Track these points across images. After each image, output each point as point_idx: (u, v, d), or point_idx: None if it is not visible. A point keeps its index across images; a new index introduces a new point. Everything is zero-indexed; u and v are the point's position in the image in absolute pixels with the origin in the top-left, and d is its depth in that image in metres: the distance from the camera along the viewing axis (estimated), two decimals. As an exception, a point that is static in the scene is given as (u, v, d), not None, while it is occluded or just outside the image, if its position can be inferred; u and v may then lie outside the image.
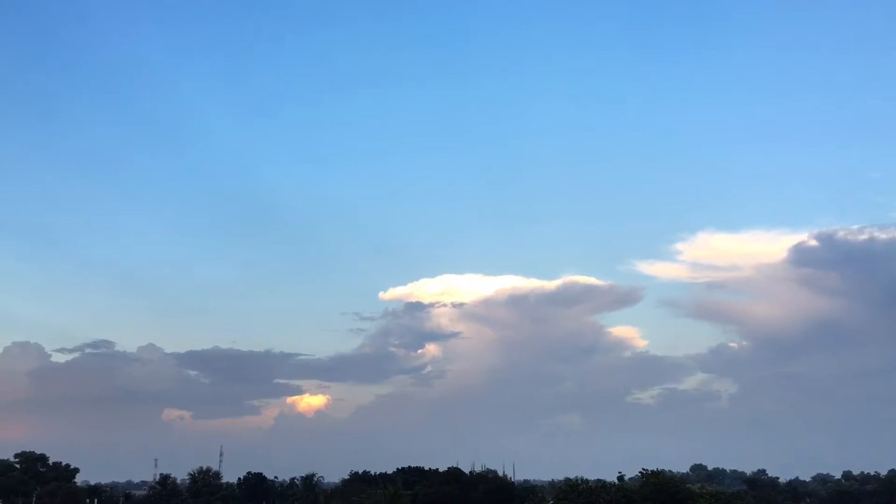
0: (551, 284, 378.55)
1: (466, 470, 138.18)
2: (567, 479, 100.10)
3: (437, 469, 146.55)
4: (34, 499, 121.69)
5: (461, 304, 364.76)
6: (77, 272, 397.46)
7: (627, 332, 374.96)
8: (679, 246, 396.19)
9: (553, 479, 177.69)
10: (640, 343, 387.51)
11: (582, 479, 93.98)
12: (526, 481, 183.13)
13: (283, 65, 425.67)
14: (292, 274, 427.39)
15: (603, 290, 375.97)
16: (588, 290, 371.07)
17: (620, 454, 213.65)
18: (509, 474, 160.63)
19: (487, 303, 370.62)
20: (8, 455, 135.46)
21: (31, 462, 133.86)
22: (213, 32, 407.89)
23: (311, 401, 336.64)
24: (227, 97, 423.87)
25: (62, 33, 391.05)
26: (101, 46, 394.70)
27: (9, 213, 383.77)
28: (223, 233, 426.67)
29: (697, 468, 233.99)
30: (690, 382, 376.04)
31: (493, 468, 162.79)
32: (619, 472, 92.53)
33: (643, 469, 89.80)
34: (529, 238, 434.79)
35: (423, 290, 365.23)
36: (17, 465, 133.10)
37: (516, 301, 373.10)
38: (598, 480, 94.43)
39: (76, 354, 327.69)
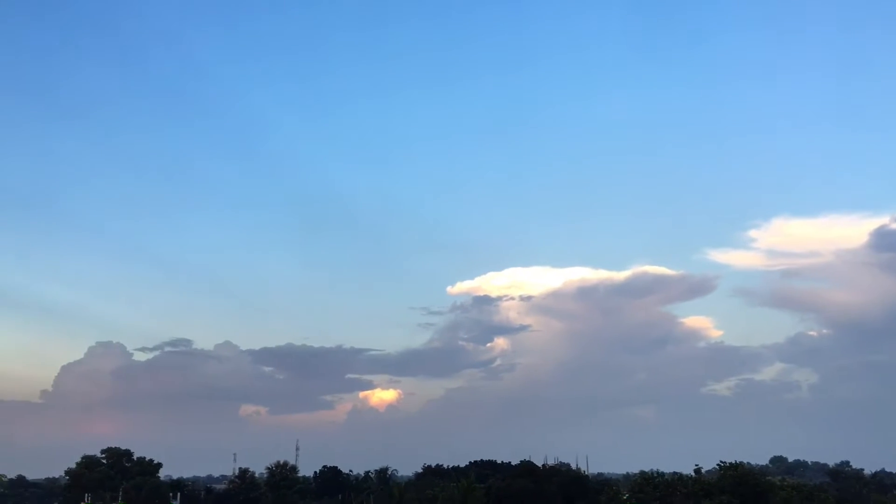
0: (620, 275, 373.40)
1: (539, 463, 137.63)
2: (642, 473, 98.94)
3: (510, 463, 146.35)
4: (121, 493, 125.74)
5: (529, 297, 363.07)
6: (156, 274, 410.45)
7: (701, 322, 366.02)
8: (753, 233, 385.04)
9: (628, 473, 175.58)
10: (715, 333, 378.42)
11: (657, 473, 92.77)
12: (600, 475, 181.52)
13: (347, 64, 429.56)
14: (361, 271, 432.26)
15: (675, 280, 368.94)
16: (659, 281, 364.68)
17: (696, 447, 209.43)
18: (582, 468, 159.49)
19: (556, 295, 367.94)
20: (95, 451, 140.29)
21: (117, 457, 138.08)
22: (277, 33, 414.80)
23: (382, 395, 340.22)
24: (294, 99, 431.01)
25: (119, 34, 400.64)
26: (171, 52, 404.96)
27: (90, 218, 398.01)
28: (295, 233, 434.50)
29: (777, 460, 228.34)
30: (768, 373, 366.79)
31: (565, 462, 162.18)
32: (696, 465, 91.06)
33: (721, 462, 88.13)
34: (597, 229, 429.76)
35: (491, 283, 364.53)
36: (104, 461, 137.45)
37: (585, 293, 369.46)
38: (675, 473, 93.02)
39: (156, 353, 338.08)
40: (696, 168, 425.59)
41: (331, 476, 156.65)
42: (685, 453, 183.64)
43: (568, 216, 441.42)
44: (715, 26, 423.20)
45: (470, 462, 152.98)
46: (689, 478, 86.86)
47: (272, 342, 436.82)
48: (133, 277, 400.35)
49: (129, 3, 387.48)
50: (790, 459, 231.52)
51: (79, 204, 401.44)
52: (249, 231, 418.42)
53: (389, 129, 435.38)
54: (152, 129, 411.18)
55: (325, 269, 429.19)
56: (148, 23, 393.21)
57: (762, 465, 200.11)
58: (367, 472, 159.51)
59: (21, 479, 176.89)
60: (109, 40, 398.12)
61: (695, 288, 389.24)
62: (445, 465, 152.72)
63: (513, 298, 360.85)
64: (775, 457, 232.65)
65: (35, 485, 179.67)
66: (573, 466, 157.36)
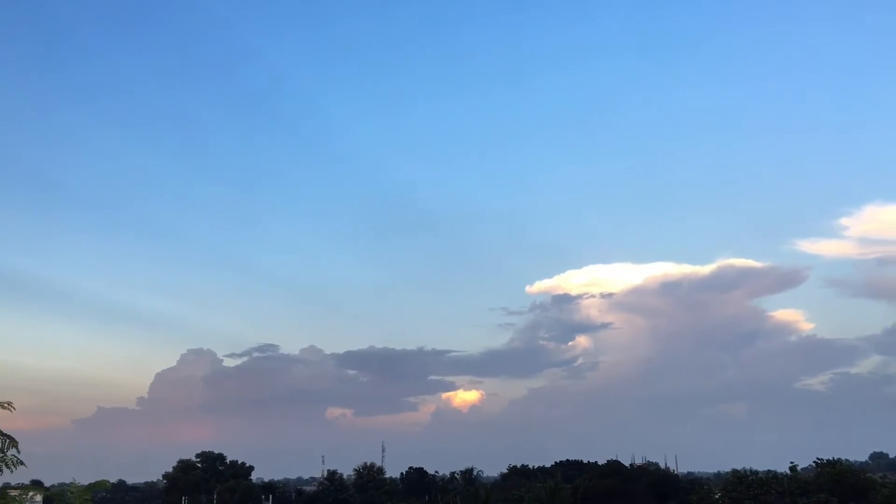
0: (705, 269, 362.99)
1: (626, 462, 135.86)
2: (734, 471, 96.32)
3: (597, 462, 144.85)
4: (215, 495, 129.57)
5: (610, 295, 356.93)
6: (242, 281, 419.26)
7: (791, 315, 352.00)
8: (844, 221, 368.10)
9: (719, 471, 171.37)
10: (806, 326, 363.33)
11: (751, 471, 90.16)
12: (690, 473, 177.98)
13: (418, 67, 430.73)
14: (439, 273, 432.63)
15: (762, 273, 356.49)
16: (745, 274, 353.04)
17: (791, 444, 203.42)
18: (671, 466, 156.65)
19: (637, 292, 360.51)
20: (189, 454, 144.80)
21: (211, 461, 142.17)
22: (347, 38, 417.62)
23: (465, 396, 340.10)
24: (364, 101, 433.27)
25: (200, 47, 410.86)
26: (237, 56, 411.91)
27: (178, 229, 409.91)
28: (374, 237, 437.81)
29: (878, 457, 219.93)
30: (865, 365, 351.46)
31: (653, 461, 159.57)
32: (792, 463, 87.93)
33: (818, 458, 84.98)
34: (679, 222, 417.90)
35: (570, 281, 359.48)
36: (199, 464, 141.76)
37: (668, 288, 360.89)
38: (769, 471, 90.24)
39: (245, 359, 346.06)
40: (781, 157, 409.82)
41: (417, 477, 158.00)
42: (779, 451, 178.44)
43: (648, 211, 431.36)
44: (793, 17, 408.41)
45: (555, 462, 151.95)
46: (784, 476, 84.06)
47: (355, 346, 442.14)
48: (221, 285, 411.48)
49: (202, 11, 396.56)
50: (892, 455, 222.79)
51: (167, 215, 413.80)
52: (330, 236, 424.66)
53: (463, 130, 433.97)
54: (231, 138, 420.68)
55: (404, 272, 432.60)
56: (224, 33, 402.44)
57: (861, 462, 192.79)
58: (452, 473, 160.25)
59: (122, 483, 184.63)
60: (189, 52, 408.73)
61: (784, 280, 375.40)
62: (531, 466, 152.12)
63: (593, 296, 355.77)
64: (875, 453, 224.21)
65: (135, 488, 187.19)
66: (662, 465, 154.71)
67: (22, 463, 12.26)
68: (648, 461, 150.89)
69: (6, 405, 12.51)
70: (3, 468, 12.14)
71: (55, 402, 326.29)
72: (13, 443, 12.43)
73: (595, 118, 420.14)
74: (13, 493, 19.72)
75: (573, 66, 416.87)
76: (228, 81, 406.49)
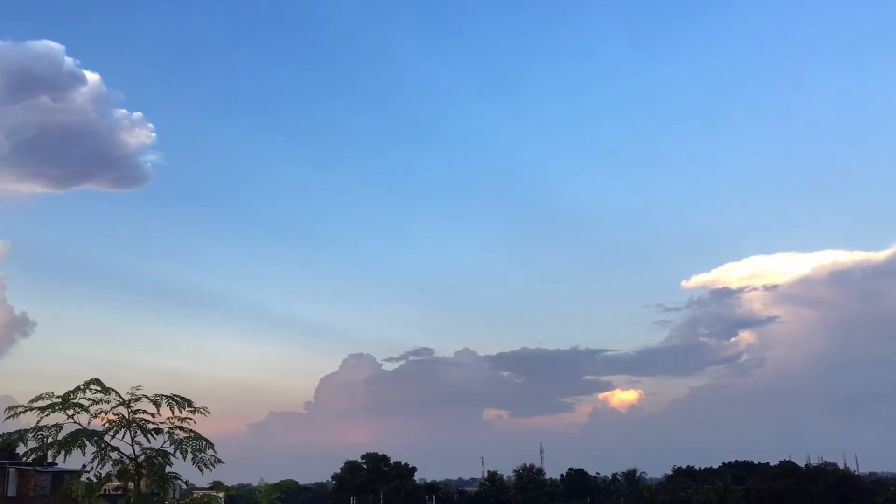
0: (879, 255, 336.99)
1: (800, 463, 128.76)
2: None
3: (768, 463, 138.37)
4: (381, 495, 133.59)
5: (774, 287, 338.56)
6: (397, 287, 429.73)
7: None
8: None
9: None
10: None
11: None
12: (872, 474, 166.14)
13: (553, 63, 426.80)
14: (589, 271, 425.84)
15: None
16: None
17: None
18: (851, 467, 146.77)
19: (804, 282, 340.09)
20: (353, 456, 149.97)
21: (376, 462, 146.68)
22: (480, 40, 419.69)
23: (622, 396, 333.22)
24: (506, 103, 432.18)
25: (343, 58, 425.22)
26: (381, 66, 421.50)
27: (336, 239, 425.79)
28: (522, 238, 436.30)
29: None
30: None
31: (830, 461, 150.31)
32: None
33: None
34: (846, 206, 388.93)
35: (730, 274, 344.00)
36: (364, 465, 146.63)
37: (839, 277, 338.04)
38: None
39: (402, 362, 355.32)
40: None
41: (578, 478, 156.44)
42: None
43: (811, 196, 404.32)
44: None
45: (723, 463, 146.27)
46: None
47: (507, 347, 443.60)
48: (377, 292, 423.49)
49: (342, 25, 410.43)
50: None
51: (324, 225, 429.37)
52: (478, 238, 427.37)
53: (608, 125, 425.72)
54: (377, 145, 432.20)
55: (553, 272, 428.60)
56: (363, 42, 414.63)
57: None
58: (613, 475, 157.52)
59: (294, 483, 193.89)
60: (333, 64, 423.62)
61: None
62: (696, 467, 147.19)
63: (755, 289, 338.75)
64: None
65: (306, 489, 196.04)
66: (840, 466, 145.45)
67: (220, 461, 13.08)
68: (825, 461, 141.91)
69: (203, 410, 13.34)
70: (203, 468, 12.98)
71: (232, 408, 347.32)
72: (210, 445, 13.27)
73: (747, 105, 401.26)
74: (206, 492, 21.15)
75: (724, 54, 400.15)
76: (367, 89, 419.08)
